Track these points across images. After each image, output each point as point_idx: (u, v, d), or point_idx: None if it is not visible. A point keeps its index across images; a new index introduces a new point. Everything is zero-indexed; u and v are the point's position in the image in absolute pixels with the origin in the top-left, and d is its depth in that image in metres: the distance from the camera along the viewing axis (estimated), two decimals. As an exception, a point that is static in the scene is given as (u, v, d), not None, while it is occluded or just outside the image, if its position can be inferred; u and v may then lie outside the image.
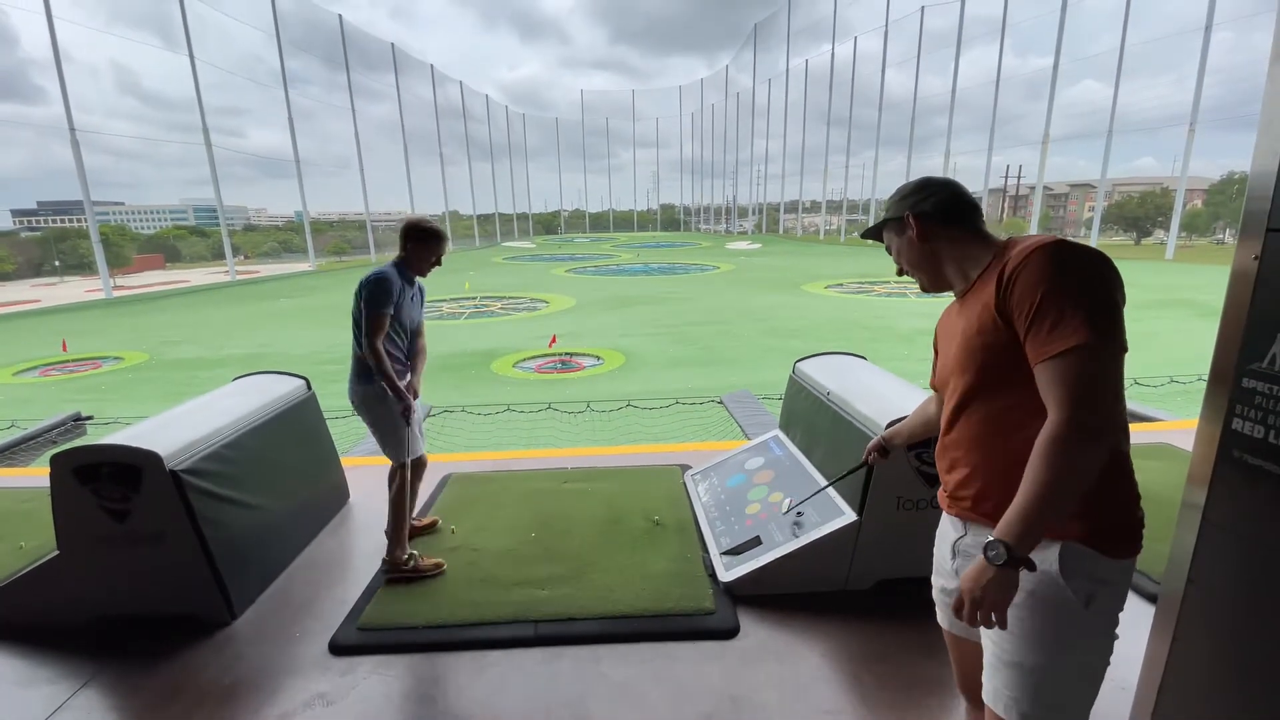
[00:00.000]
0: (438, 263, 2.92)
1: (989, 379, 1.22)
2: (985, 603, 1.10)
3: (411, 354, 2.94)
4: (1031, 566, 1.10)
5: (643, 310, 16.96)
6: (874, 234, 1.48)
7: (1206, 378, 1.42)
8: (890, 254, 1.44)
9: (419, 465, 3.08)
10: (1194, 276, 21.49)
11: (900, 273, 1.43)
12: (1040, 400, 1.10)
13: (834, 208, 57.12)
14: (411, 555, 2.85)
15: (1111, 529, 1.16)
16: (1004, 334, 1.16)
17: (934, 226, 1.33)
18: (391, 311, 2.73)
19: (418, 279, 2.93)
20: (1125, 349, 1.08)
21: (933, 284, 1.39)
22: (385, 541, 2.84)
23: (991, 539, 1.10)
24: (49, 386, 10.60)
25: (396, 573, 2.81)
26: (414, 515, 3.23)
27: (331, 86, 40.17)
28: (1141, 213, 44.35)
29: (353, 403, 2.84)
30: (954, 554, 1.39)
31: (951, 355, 1.32)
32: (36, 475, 4.44)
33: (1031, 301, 1.10)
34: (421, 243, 2.84)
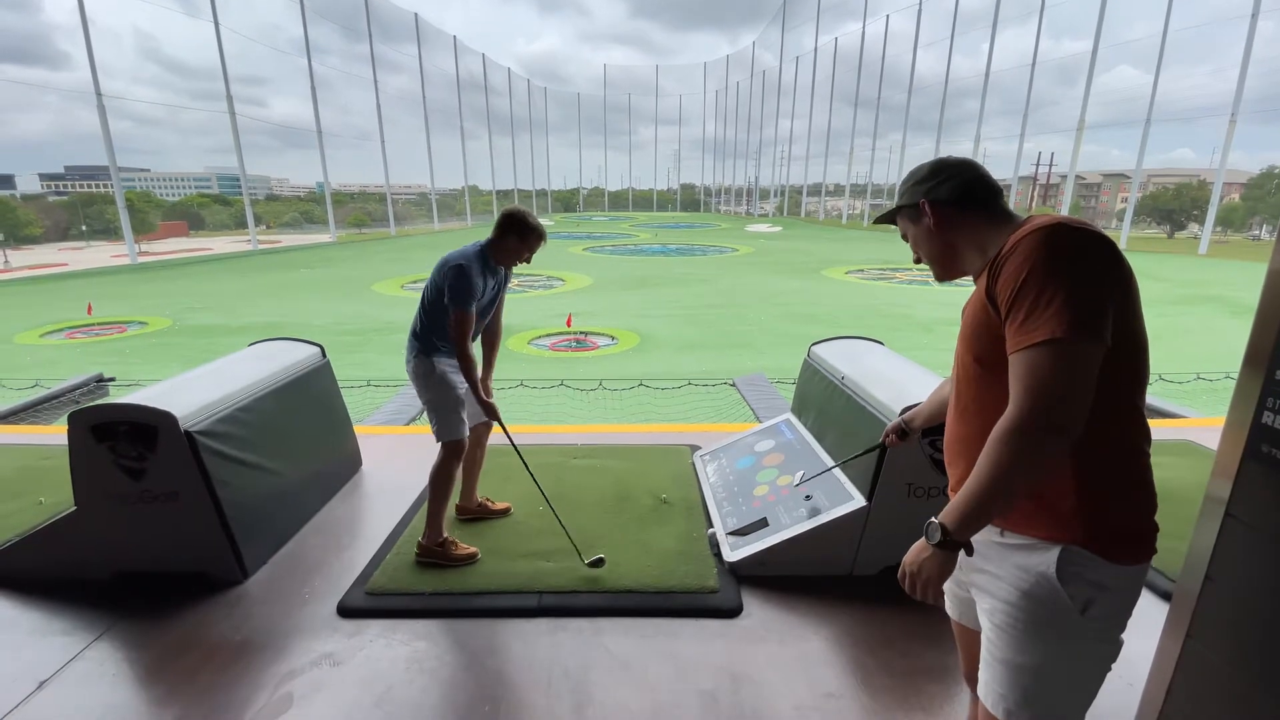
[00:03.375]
0: (527, 260, 2.81)
1: (986, 371, 1.16)
2: (920, 578, 1.13)
3: (480, 334, 2.90)
4: (969, 551, 1.11)
5: (659, 291, 16.89)
6: (888, 219, 1.40)
7: (1235, 375, 1.37)
8: (906, 241, 1.37)
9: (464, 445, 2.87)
10: (1227, 272, 20.92)
11: (918, 261, 1.36)
12: None
13: (858, 191, 56.22)
14: (446, 540, 2.75)
15: (1118, 534, 1.11)
16: (995, 324, 1.10)
17: (952, 214, 1.24)
18: (476, 309, 2.65)
19: (502, 267, 2.85)
20: (1106, 343, 1.00)
21: (948, 274, 1.31)
22: (394, 510, 2.85)
23: (932, 520, 1.12)
24: (74, 348, 10.82)
25: (427, 556, 2.72)
26: (481, 498, 3.21)
27: (350, 57, 40.14)
28: (1176, 205, 43.07)
29: (408, 373, 2.79)
30: None
31: (957, 344, 1.27)
32: (58, 433, 4.54)
33: (1012, 288, 1.04)
34: (521, 238, 2.73)
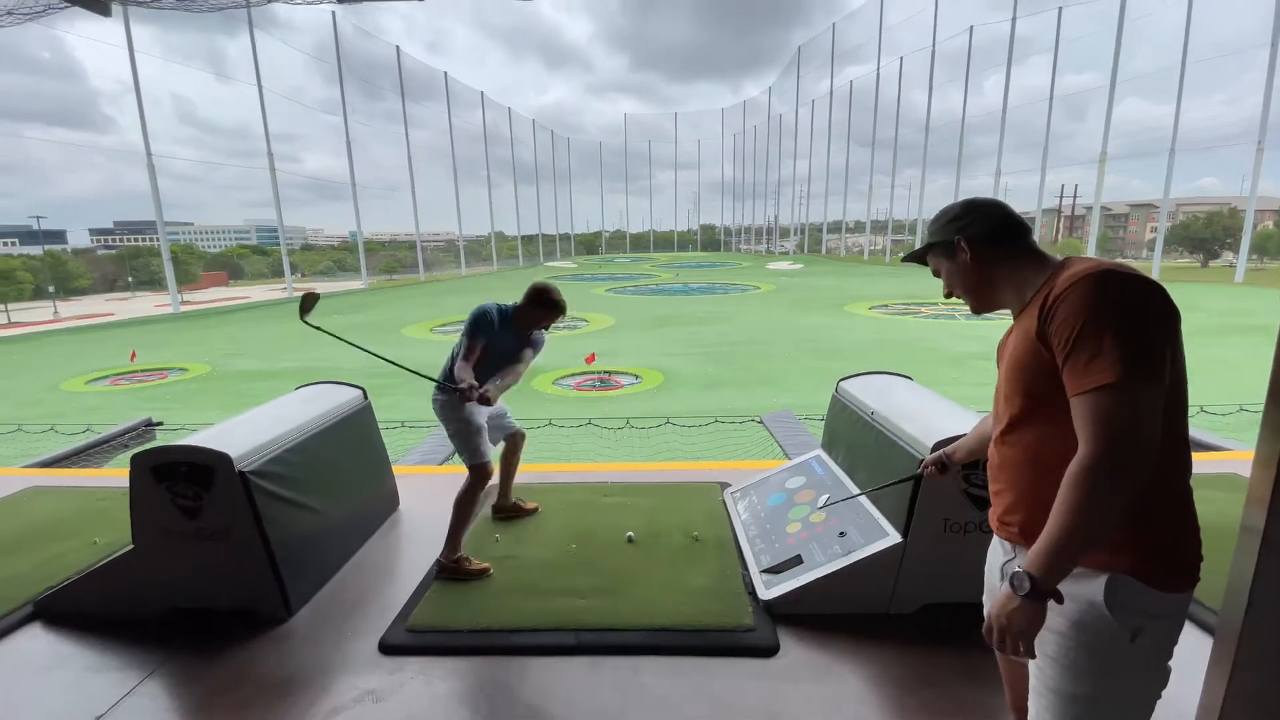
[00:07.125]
0: (545, 327, 3.22)
1: (1032, 405, 1.21)
2: (1011, 632, 1.11)
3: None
4: (1059, 599, 1.10)
5: (682, 330, 17.00)
6: (916, 258, 1.46)
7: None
8: (939, 278, 1.42)
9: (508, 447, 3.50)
10: (1266, 301, 20.38)
11: (949, 295, 1.42)
12: None
13: (878, 227, 56.37)
14: (461, 557, 2.98)
15: (1164, 563, 1.13)
16: (1046, 361, 1.15)
17: (987, 250, 1.31)
18: (482, 344, 2.98)
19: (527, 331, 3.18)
20: (1165, 384, 1.06)
21: (986, 307, 1.37)
22: (432, 547, 2.95)
23: (1018, 570, 1.11)
24: (119, 394, 11.23)
25: (445, 571, 2.96)
26: (512, 499, 3.63)
27: (372, 114, 42.15)
28: (1208, 234, 42.30)
29: (435, 409, 3.09)
30: (1002, 576, 1.38)
31: (1001, 378, 1.32)
32: (110, 476, 4.73)
33: (1070, 332, 1.09)
34: (541, 309, 3.10)
